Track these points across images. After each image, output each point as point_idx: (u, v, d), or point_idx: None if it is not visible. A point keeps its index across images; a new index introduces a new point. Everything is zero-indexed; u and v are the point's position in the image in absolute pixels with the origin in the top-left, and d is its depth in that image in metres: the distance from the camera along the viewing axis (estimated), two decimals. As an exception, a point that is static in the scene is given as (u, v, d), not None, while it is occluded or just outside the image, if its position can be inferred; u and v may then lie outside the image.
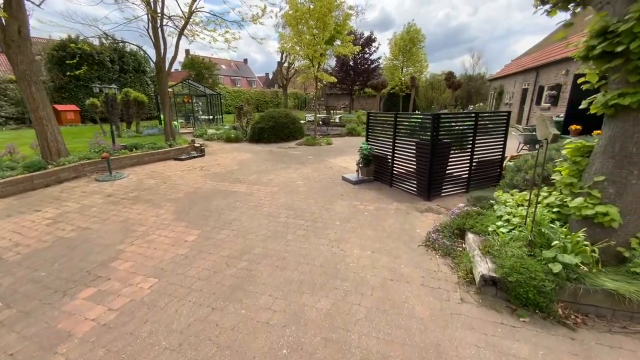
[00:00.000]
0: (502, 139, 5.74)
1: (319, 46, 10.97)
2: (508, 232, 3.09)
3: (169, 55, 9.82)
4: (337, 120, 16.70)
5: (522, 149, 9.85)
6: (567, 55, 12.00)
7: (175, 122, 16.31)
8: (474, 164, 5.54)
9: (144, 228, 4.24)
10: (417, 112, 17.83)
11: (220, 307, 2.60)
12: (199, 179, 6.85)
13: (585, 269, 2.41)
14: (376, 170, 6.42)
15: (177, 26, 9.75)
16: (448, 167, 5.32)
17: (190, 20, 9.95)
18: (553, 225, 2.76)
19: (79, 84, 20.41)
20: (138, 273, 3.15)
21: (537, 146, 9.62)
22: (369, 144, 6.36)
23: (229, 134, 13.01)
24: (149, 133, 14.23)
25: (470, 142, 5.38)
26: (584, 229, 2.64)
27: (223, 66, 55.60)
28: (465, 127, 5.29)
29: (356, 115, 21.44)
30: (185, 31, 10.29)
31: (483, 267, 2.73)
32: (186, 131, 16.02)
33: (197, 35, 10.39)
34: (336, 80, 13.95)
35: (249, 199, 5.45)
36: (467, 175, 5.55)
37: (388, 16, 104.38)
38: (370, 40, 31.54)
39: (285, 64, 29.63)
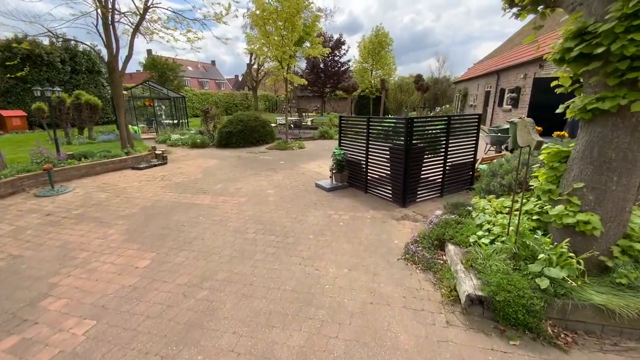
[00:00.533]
0: (474, 141, 5.74)
1: (287, 47, 10.61)
2: (490, 243, 2.93)
3: (123, 54, 8.98)
4: (308, 123, 16.42)
5: (489, 149, 10.15)
6: (526, 60, 12.64)
7: (136, 128, 15.18)
8: (447, 167, 5.47)
9: (85, 254, 3.64)
10: (388, 115, 18.06)
11: (172, 355, 2.16)
12: (158, 191, 6.21)
13: (573, 283, 2.28)
14: (350, 176, 6.19)
15: (132, 23, 8.96)
16: (422, 172, 5.20)
17: (147, 17, 9.20)
18: (537, 236, 2.63)
19: (26, 87, 18.41)
20: (72, 314, 2.62)
21: (502, 147, 9.96)
22: (342, 149, 6.11)
23: (195, 139, 12.25)
24: (104, 139, 13.05)
25: (443, 145, 5.31)
26: (567, 240, 2.52)
27: (189, 68, 53.40)
28: (438, 131, 5.20)
29: (328, 117, 21.31)
30: (143, 29, 9.53)
31: (468, 284, 2.53)
32: (148, 137, 14.93)
33: (156, 33, 9.66)
34: (306, 82, 13.67)
35: (213, 212, 4.96)
36: (441, 180, 5.47)
37: (356, 20, 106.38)
38: (339, 43, 31.68)
39: (255, 66, 28.93)
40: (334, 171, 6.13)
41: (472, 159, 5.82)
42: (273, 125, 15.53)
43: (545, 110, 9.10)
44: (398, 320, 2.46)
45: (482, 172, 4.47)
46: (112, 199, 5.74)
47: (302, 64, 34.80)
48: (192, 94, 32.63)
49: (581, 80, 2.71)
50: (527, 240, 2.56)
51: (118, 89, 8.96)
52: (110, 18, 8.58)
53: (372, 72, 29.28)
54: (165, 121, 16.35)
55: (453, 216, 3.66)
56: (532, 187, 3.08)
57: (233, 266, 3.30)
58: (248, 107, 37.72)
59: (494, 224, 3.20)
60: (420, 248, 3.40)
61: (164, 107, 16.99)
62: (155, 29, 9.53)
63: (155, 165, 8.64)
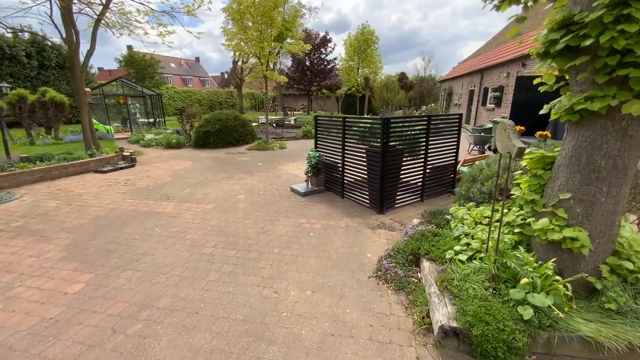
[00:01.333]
0: (455, 142, 5.47)
1: (266, 43, 10.14)
2: (468, 259, 2.61)
3: (84, 48, 8.31)
4: (292, 122, 15.97)
5: (472, 149, 9.99)
6: (509, 58, 12.57)
7: (109, 127, 14.39)
8: (427, 170, 5.17)
9: (10, 277, 3.13)
10: (369, 114, 17.81)
11: (77, 417, 1.74)
12: (117, 197, 5.68)
13: (559, 313, 1.97)
14: (327, 180, 5.82)
15: (95, 13, 8.29)
16: (401, 175, 4.88)
17: (114, 8, 8.57)
18: (518, 254, 2.32)
19: (-12, 82, 17.19)
20: (-32, 359, 2.14)
21: (486, 147, 9.80)
22: (317, 151, 5.73)
23: (170, 140, 11.63)
24: (72, 140, 12.26)
25: (423, 147, 5.00)
26: (553, 260, 2.22)
27: (172, 65, 51.89)
28: (418, 132, 4.88)
29: (313, 116, 20.91)
30: (110, 23, 8.88)
31: (441, 312, 2.19)
32: (123, 136, 14.17)
33: (126, 27, 9.01)
34: (287, 79, 13.22)
35: (172, 222, 4.50)
36: (421, 183, 5.17)
37: (344, 18, 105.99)
38: (325, 41, 31.23)
39: (240, 63, 28.20)
40: (309, 175, 5.75)
41: (453, 161, 5.55)
42: (255, 124, 15.03)
43: (528, 109, 9.00)
44: (361, 357, 2.11)
45: (462, 176, 4.18)
46: (62, 207, 5.18)
47: (288, 62, 34.27)
48: (174, 92, 31.59)
49: (567, 77, 2.41)
50: (507, 261, 2.25)
51: (80, 86, 8.30)
52: (70, 8, 7.91)
53: (358, 71, 29.06)
54: (140, 120, 15.56)
55: (430, 227, 3.34)
56: (514, 196, 2.78)
57: (180, 290, 2.88)
58: (233, 105, 36.87)
59: (472, 237, 2.89)
60: (393, 264, 3.06)
61: (138, 106, 16.18)
62: (124, 21, 8.90)
63: (121, 168, 8.04)
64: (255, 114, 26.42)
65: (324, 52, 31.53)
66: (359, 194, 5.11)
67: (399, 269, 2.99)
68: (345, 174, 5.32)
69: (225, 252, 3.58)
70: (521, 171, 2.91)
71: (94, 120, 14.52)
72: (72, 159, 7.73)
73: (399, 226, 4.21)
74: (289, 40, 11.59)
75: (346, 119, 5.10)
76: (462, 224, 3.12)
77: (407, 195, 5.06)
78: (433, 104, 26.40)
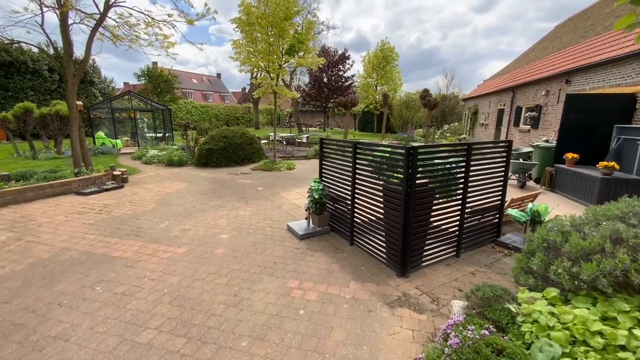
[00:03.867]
0: (502, 177, 4.17)
1: (275, 56, 9.33)
2: None
3: (76, 59, 7.73)
4: (304, 139, 15.02)
5: (509, 178, 8.51)
6: (548, 74, 11.15)
7: (114, 142, 13.95)
8: (466, 214, 3.88)
9: None
10: (385, 141, 16.52)
11: None
12: (79, 231, 4.72)
13: None
14: (333, 216, 4.63)
15: (93, 19, 7.74)
16: (431, 221, 3.62)
17: (115, 18, 8.04)
18: None
19: (7, 95, 17.54)
20: None
21: (526, 175, 8.30)
22: (322, 182, 4.58)
23: (171, 157, 10.88)
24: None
25: (461, 184, 3.74)
26: None
27: (194, 80, 53.41)
28: (454, 165, 3.64)
29: (326, 133, 19.98)
30: (108, 34, 8.36)
31: None
32: (130, 151, 13.65)
33: (121, 38, 8.45)
34: (297, 96, 12.38)
35: (124, 275, 3.42)
36: (457, 232, 3.87)
37: (364, 38, 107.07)
38: (344, 57, 30.81)
39: (257, 78, 28.07)
40: (310, 211, 4.58)
41: (499, 201, 4.23)
42: (264, 141, 14.19)
43: (582, 132, 7.51)
44: None
45: (529, 239, 2.86)
46: (9, 243, 4.25)
47: (306, 78, 34.00)
48: (192, 107, 31.86)
49: None
50: None
51: (71, 99, 7.68)
52: (66, 18, 7.40)
53: (376, 88, 28.20)
54: (148, 135, 15.10)
55: (486, 331, 2.04)
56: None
57: None
58: (250, 120, 36.84)
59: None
60: (427, 402, 1.77)
61: (146, 120, 15.79)
62: (124, 33, 8.35)
63: (106, 190, 7.20)
64: (270, 130, 25.86)
65: (342, 68, 31.07)
66: (374, 241, 3.86)
67: (439, 418, 1.70)
68: (355, 213, 4.12)
69: (170, 340, 2.42)
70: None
71: (101, 134, 14.21)
72: (53, 178, 6.97)
73: (430, 302, 2.92)
74: (301, 54, 10.79)
75: (358, 145, 3.94)
76: (549, 337, 1.81)
77: (438, 247, 3.76)
78: (456, 123, 24.91)
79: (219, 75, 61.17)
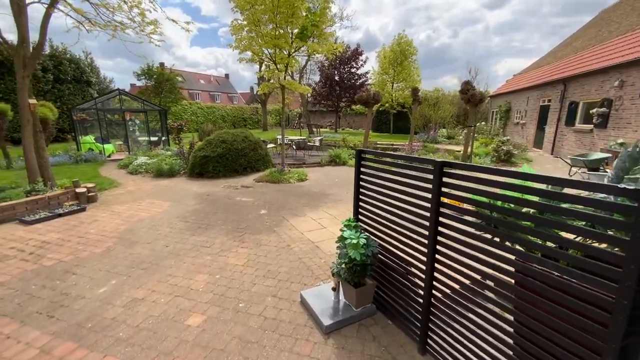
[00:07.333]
0: None
1: (283, 40, 7.45)
2: None
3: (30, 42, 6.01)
4: (317, 143, 13.09)
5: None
6: (618, 61, 8.91)
7: (103, 147, 12.33)
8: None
9: None
10: (416, 134, 14.24)
11: None
12: (-32, 302, 2.91)
13: None
14: (381, 285, 2.69)
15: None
16: None
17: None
18: None
19: (-6, 96, 16.21)
20: None
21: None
22: (360, 227, 2.64)
23: (161, 166, 9.11)
24: (58, 161, 10.18)
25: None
26: None
27: (202, 81, 52.26)
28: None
29: (342, 135, 17.99)
30: (77, 16, 6.59)
31: None
32: (120, 157, 11.99)
33: (87, 19, 6.65)
34: (310, 90, 10.49)
35: None
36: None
37: (373, 37, 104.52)
38: (357, 53, 28.77)
39: (265, 76, 26.32)
40: (339, 279, 2.63)
41: None
42: (271, 146, 12.34)
43: None
44: None
45: None
46: None
47: (316, 77, 32.12)
48: (197, 108, 30.42)
49: None
50: None
51: (22, 96, 5.93)
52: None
53: (393, 85, 26.09)
54: (140, 138, 13.44)
55: None
56: None
57: None
58: (257, 121, 35.21)
59: None
60: None
61: (138, 122, 14.14)
62: (89, 14, 6.54)
63: (60, 215, 5.44)
64: (278, 132, 24.09)
65: (354, 65, 29.05)
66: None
67: None
68: (435, 291, 2.16)
69: None
70: None
71: (89, 139, 12.60)
72: (-9, 201, 5.25)
73: None
74: (315, 40, 8.87)
75: (444, 166, 1.97)
76: None
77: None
78: (483, 123, 22.57)
79: (227, 75, 59.94)
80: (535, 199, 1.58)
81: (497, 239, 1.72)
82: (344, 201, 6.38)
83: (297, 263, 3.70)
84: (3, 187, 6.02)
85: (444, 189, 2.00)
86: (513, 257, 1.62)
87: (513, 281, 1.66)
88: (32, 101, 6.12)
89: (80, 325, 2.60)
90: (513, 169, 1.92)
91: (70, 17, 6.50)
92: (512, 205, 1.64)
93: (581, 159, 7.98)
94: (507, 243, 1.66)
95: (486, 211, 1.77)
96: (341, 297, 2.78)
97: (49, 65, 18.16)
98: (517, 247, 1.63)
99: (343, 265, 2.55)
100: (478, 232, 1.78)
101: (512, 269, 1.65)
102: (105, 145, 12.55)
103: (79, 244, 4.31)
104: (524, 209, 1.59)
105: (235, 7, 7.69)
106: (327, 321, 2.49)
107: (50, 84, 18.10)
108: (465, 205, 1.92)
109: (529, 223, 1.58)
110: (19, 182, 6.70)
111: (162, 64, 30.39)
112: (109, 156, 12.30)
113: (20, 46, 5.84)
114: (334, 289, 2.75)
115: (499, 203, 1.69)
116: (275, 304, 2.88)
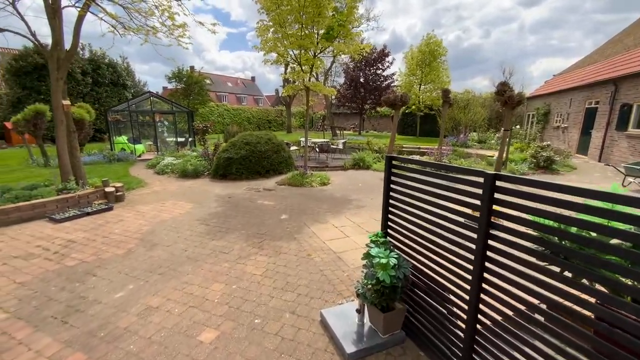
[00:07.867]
0: None
1: (308, 40, 7.28)
2: None
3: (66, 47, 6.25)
4: (340, 146, 12.82)
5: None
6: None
7: (134, 147, 12.81)
8: None
9: None
10: (445, 137, 13.53)
11: None
12: (-8, 301, 2.94)
13: None
14: (413, 312, 2.37)
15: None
16: None
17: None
18: None
19: (39, 98, 17.45)
20: None
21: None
22: (389, 244, 2.35)
23: (185, 167, 9.25)
24: (85, 161, 10.65)
25: None
26: None
27: (229, 84, 53.69)
28: None
29: (366, 138, 17.58)
30: (110, 20, 6.80)
31: None
32: (150, 157, 12.39)
33: (122, 25, 6.85)
34: (335, 92, 10.24)
35: None
36: None
37: (399, 39, 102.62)
38: (383, 55, 28.19)
39: (290, 78, 26.48)
40: (364, 300, 2.34)
41: None
42: (294, 148, 12.23)
43: None
44: None
45: None
46: None
47: (340, 79, 31.85)
48: (224, 109, 31.22)
49: None
50: None
51: (55, 97, 6.18)
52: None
53: (420, 86, 25.29)
54: (169, 139, 13.84)
55: None
56: None
57: None
58: (282, 123, 35.56)
59: None
60: None
61: (167, 123, 14.58)
62: (121, 15, 6.74)
63: (88, 214, 5.57)
64: (302, 135, 24.10)
65: (380, 67, 28.47)
66: None
67: None
68: (480, 323, 1.83)
69: None
70: None
71: (122, 139, 13.15)
72: (26, 198, 5.47)
73: None
74: (341, 41, 8.63)
75: (497, 178, 1.65)
76: None
77: None
78: (518, 126, 21.23)
79: (253, 78, 61.18)
80: (628, 227, 1.23)
81: (567, 274, 1.37)
82: (368, 207, 6.06)
83: (318, 275, 3.45)
84: (37, 185, 6.29)
85: (495, 207, 1.67)
86: (592, 300, 1.27)
87: (591, 331, 1.31)
88: (66, 102, 6.36)
89: (92, 334, 2.50)
90: (557, 179, 1.55)
91: (105, 21, 6.73)
92: (594, 234, 1.29)
93: (639, 167, 7.12)
94: (584, 280, 1.31)
95: (554, 238, 1.42)
96: (366, 320, 2.49)
97: (88, 68, 19.31)
98: (598, 286, 1.28)
99: (369, 286, 2.26)
100: (542, 263, 1.43)
101: (588, 312, 1.29)
102: (137, 146, 13.05)
103: (103, 244, 4.33)
104: (612, 240, 1.24)
105: (262, 9, 7.63)
106: (350, 348, 2.21)
107: (89, 86, 19.23)
108: (522, 228, 1.58)
109: (617, 258, 1.22)
110: (52, 180, 6.99)
111: (192, 67, 31.56)
112: (140, 156, 12.76)
113: (54, 49, 6.08)
114: (358, 311, 2.46)
115: (573, 229, 1.34)
116: (294, 322, 2.64)
